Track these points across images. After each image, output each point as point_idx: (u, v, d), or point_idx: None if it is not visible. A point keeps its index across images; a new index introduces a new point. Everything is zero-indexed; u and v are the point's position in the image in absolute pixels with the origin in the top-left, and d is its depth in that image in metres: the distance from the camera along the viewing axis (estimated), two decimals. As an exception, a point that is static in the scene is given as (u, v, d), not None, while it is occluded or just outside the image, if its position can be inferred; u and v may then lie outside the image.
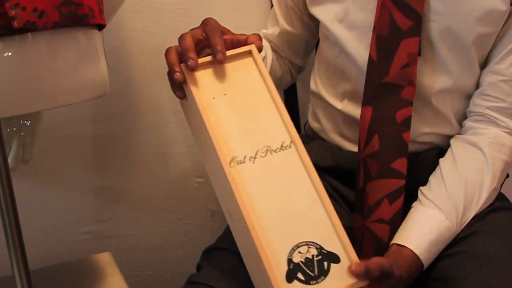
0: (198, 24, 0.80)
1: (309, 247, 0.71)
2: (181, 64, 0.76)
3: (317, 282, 0.69)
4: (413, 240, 0.86)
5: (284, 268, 0.69)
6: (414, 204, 0.93)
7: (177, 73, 0.75)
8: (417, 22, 0.90)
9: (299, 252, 0.70)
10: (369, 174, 0.93)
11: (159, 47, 1.16)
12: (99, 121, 1.19)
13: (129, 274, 1.23)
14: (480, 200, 0.91)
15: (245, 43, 0.80)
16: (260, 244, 0.68)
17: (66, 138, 1.17)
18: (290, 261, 0.69)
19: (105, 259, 1.11)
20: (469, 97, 0.99)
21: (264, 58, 1.05)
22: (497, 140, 0.94)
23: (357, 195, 0.95)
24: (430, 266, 0.87)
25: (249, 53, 0.79)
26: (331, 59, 1.03)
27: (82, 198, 1.22)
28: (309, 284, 0.69)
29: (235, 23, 1.21)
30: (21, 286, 0.84)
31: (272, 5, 1.15)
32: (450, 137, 0.99)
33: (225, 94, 0.77)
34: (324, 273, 0.70)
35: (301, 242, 0.71)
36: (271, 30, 1.13)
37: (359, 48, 0.97)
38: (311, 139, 1.11)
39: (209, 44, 0.77)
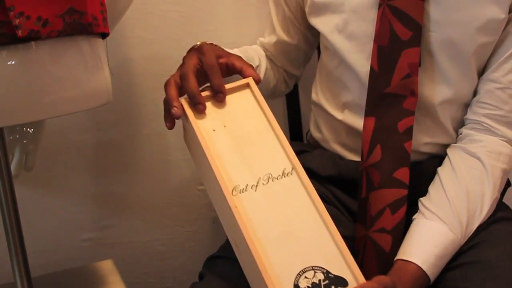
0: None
1: (315, 272, 0.70)
2: (181, 98, 0.79)
3: None
4: (419, 255, 0.85)
5: None
6: (416, 216, 0.92)
7: (175, 108, 0.78)
8: (417, 32, 0.90)
9: (305, 277, 0.69)
10: (371, 184, 0.93)
11: (161, 55, 1.17)
12: (102, 128, 1.19)
13: (131, 282, 1.22)
14: (483, 211, 0.91)
15: (239, 70, 0.83)
16: (265, 270, 0.68)
17: (68, 145, 1.17)
18: (296, 286, 0.69)
19: (106, 266, 1.11)
20: (468, 106, 0.99)
21: (258, 67, 1.06)
22: (494, 148, 0.93)
23: (359, 205, 0.95)
24: None
25: (247, 85, 0.82)
26: (331, 70, 1.03)
27: (84, 205, 1.22)
28: None
29: (236, 30, 1.22)
30: (22, 293, 0.85)
31: (272, 13, 1.15)
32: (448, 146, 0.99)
33: (225, 126, 0.79)
34: None
35: (307, 267, 0.70)
36: (268, 39, 1.13)
37: (359, 58, 0.97)
38: (313, 148, 1.11)
39: (206, 75, 0.80)
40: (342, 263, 0.71)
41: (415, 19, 0.90)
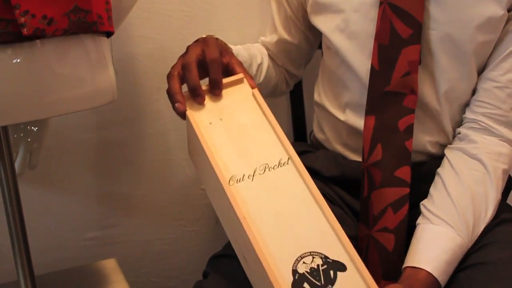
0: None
1: (313, 257, 0.71)
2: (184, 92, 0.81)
3: None
4: (429, 261, 0.84)
5: (290, 279, 0.69)
6: (421, 221, 0.91)
7: (178, 103, 0.79)
8: (417, 30, 0.90)
9: (304, 263, 0.70)
10: (373, 183, 0.92)
11: (166, 54, 1.17)
12: (105, 127, 1.19)
13: (134, 281, 1.23)
14: (488, 213, 0.90)
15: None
16: (263, 256, 0.68)
17: (72, 144, 1.17)
18: (295, 272, 0.69)
19: (110, 265, 1.11)
20: (467, 105, 0.98)
21: (260, 65, 1.07)
22: (494, 149, 0.93)
23: (362, 205, 0.95)
24: None
25: (242, 80, 0.84)
26: (333, 70, 1.04)
27: (87, 204, 1.22)
28: None
29: (239, 29, 1.22)
30: (26, 292, 0.85)
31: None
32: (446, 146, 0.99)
33: (221, 119, 0.80)
34: (331, 282, 0.69)
35: (305, 253, 0.71)
36: (269, 38, 1.13)
37: (360, 58, 0.97)
38: (316, 149, 1.11)
39: (207, 68, 0.81)
40: (340, 248, 0.72)
41: (415, 17, 0.90)
